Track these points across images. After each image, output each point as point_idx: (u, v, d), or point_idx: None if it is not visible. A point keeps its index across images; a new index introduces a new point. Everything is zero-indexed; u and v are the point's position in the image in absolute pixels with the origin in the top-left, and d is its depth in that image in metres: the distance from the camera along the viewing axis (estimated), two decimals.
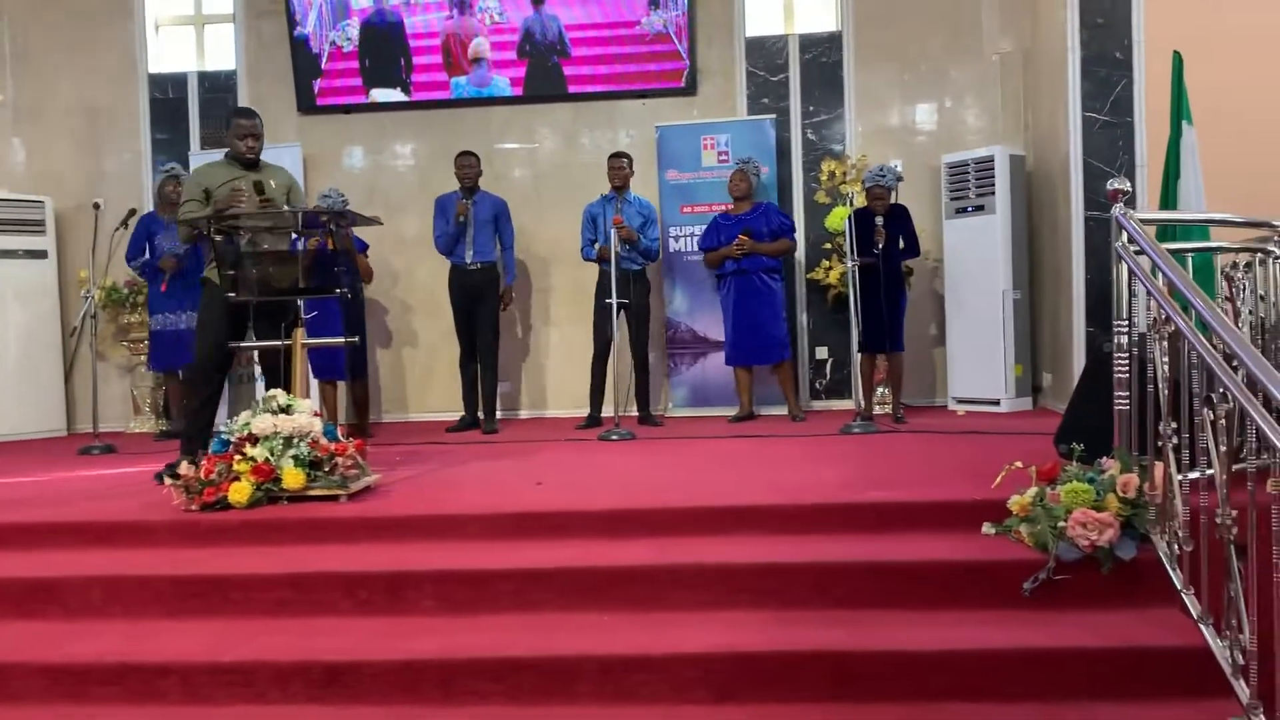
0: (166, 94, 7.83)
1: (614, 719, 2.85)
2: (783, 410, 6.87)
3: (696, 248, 7.08)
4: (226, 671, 3.02)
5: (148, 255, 6.89)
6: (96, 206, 6.68)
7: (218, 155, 7.37)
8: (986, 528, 3.46)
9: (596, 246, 6.69)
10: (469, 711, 2.90)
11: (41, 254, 7.50)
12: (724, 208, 6.94)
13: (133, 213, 6.76)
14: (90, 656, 3.07)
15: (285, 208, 4.52)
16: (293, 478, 4.01)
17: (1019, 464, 3.55)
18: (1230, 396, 2.61)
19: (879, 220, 6.22)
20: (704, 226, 7.09)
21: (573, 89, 7.53)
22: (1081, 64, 6.20)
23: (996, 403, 6.75)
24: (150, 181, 7.66)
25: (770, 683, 2.84)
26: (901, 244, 6.48)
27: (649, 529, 3.61)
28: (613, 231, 6.24)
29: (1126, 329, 3.31)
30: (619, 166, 6.69)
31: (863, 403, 6.43)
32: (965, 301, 6.92)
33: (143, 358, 7.42)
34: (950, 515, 3.56)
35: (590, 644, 3.02)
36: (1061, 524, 3.17)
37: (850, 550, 3.35)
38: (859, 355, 6.52)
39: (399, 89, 7.61)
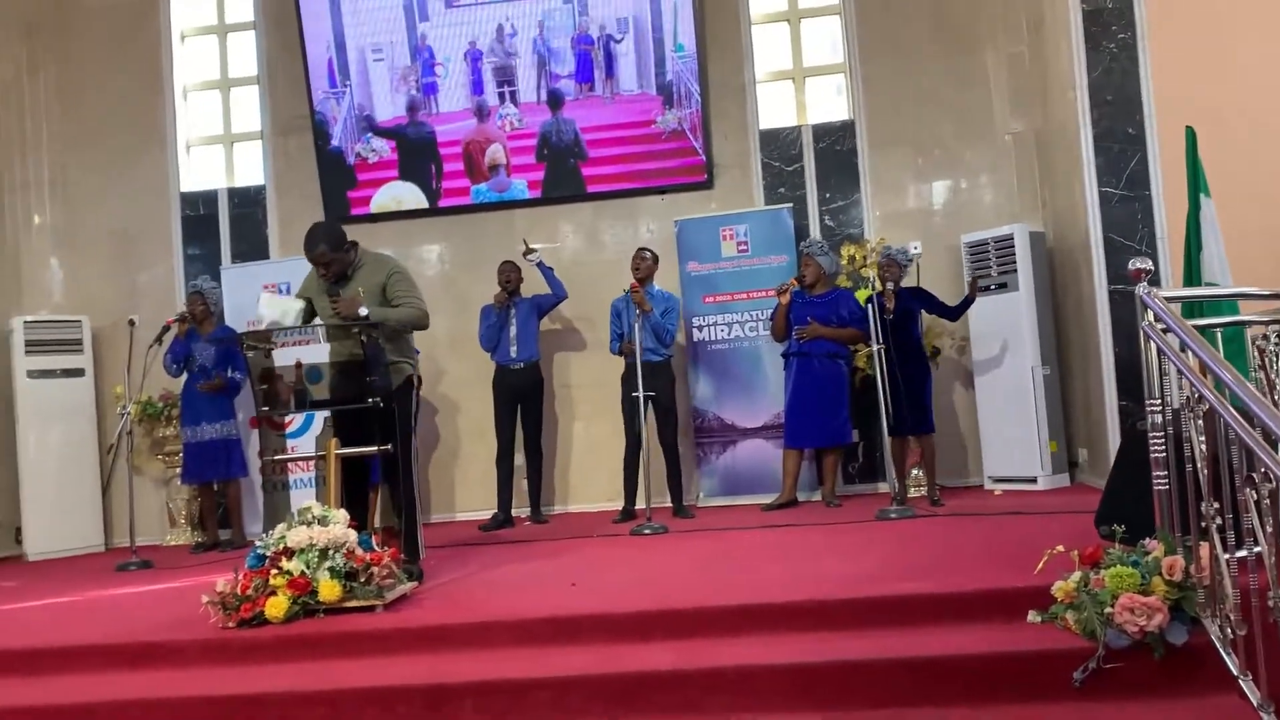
0: (198, 210, 8.04)
1: None
2: (814, 496, 6.80)
3: (746, 332, 7.12)
4: None
5: (181, 365, 6.98)
6: (131, 324, 6.80)
7: (252, 267, 7.66)
8: (1032, 616, 3.39)
9: (622, 341, 6.74)
10: None
11: (79, 372, 7.64)
12: (747, 295, 7.02)
13: (166, 328, 6.87)
14: None
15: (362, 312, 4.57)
16: (329, 590, 4.00)
17: (1061, 548, 3.49)
18: (1273, 475, 2.57)
19: (889, 286, 6.28)
20: (726, 315, 7.16)
21: (591, 189, 7.68)
22: (1094, 140, 6.25)
23: (1033, 480, 6.66)
24: (182, 296, 7.81)
25: None
26: (922, 323, 6.51)
27: (680, 631, 3.56)
28: (635, 323, 6.30)
29: (1160, 408, 3.28)
30: (641, 258, 6.78)
31: (896, 487, 6.36)
32: (995, 379, 6.89)
33: (177, 470, 7.48)
34: (991, 604, 3.49)
35: None
36: (1108, 610, 3.11)
37: (886, 646, 3.29)
38: (889, 439, 6.47)
39: (428, 196, 7.78)
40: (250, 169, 8.19)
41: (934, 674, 3.16)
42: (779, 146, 7.65)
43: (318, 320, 4.81)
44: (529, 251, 7.04)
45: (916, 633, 3.42)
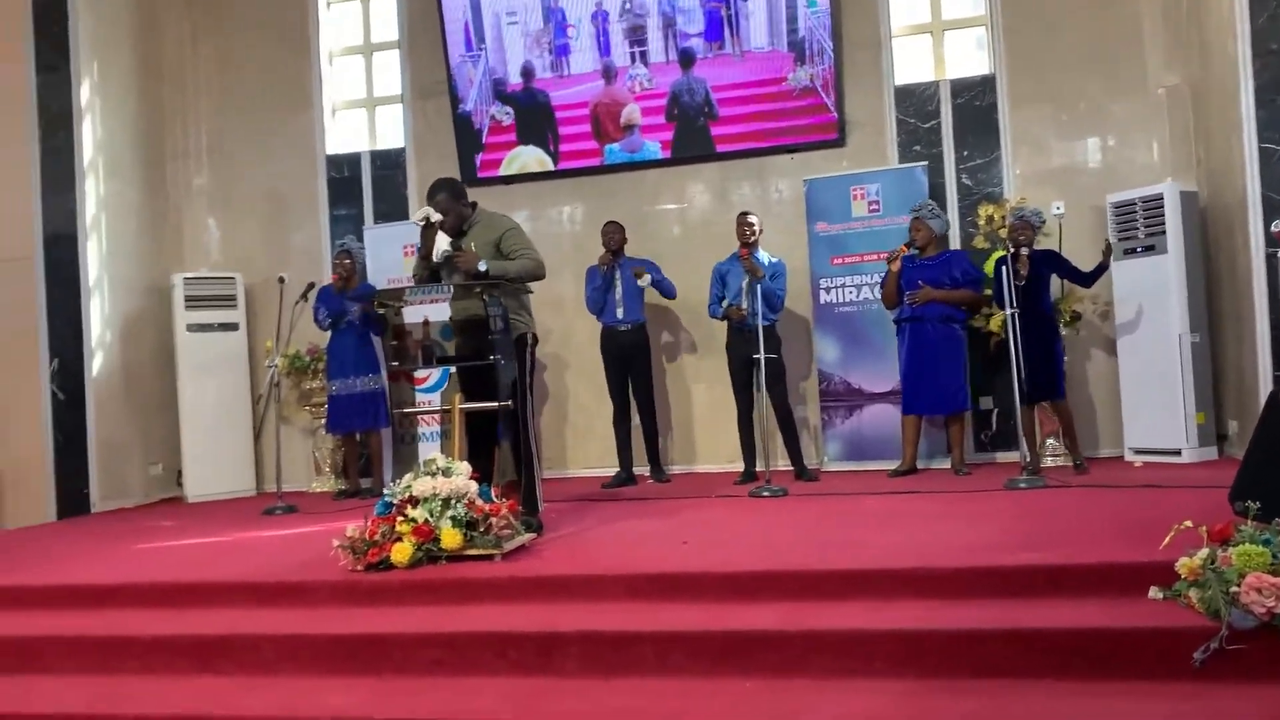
0: (342, 173, 8.37)
1: None
2: (945, 464, 6.67)
3: (875, 294, 6.95)
4: None
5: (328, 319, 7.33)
6: (281, 281, 7.16)
7: (392, 228, 7.95)
8: (1154, 592, 3.26)
9: (724, 305, 6.71)
10: None
11: (233, 326, 8.10)
12: (877, 256, 6.89)
13: (311, 286, 7.21)
14: (259, 712, 3.27)
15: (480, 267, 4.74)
16: (450, 538, 4.17)
17: (1188, 523, 3.34)
18: None
19: (1024, 251, 6.08)
20: (855, 277, 7.05)
21: (721, 148, 7.64)
22: (1256, 93, 5.85)
23: (1178, 453, 6.35)
24: (328, 255, 8.17)
25: None
26: (1062, 287, 6.25)
27: (788, 592, 3.58)
28: (743, 281, 6.26)
29: None
30: (747, 224, 6.70)
31: (1027, 455, 6.16)
32: (1139, 346, 6.57)
33: (322, 421, 7.86)
34: (1111, 578, 3.38)
35: (732, 710, 3.01)
36: (1234, 589, 2.97)
37: (996, 617, 3.23)
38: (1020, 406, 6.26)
39: (550, 158, 7.89)
40: (391, 132, 8.46)
41: (1046, 647, 3.09)
42: (915, 103, 7.43)
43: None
44: (639, 276, 6.95)
45: (1030, 604, 3.34)
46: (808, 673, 3.18)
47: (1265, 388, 5.75)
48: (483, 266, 4.73)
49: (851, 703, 2.95)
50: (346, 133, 8.59)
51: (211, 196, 8.57)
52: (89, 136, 7.56)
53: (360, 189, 8.34)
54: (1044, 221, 6.42)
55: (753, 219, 6.74)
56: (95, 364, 7.46)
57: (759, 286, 6.40)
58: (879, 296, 6.85)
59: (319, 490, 7.94)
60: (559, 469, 7.85)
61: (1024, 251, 6.11)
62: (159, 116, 8.37)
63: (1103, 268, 6.33)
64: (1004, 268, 6.06)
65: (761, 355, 6.20)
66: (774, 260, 6.80)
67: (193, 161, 8.57)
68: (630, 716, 3.04)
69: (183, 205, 8.56)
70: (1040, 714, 2.79)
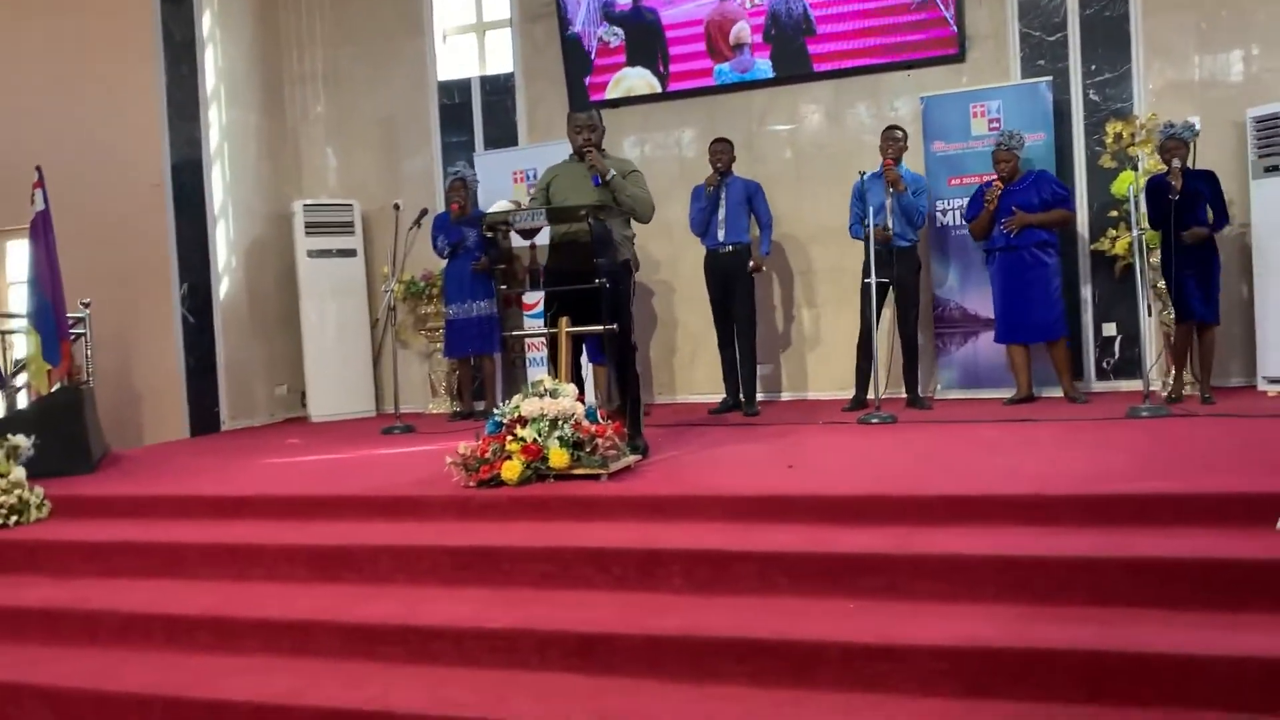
0: (453, 99, 8.43)
1: (857, 707, 2.81)
2: (1058, 391, 6.46)
3: (963, 220, 6.78)
4: (492, 637, 3.26)
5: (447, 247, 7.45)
6: (396, 208, 7.28)
7: (501, 154, 8.00)
8: None
9: (865, 225, 6.55)
10: (713, 690, 2.97)
11: (351, 252, 8.32)
12: (994, 178, 6.62)
13: (424, 212, 7.33)
14: (377, 619, 3.41)
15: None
16: (558, 457, 4.25)
17: None
18: None
19: (1175, 164, 5.85)
20: None
21: (819, 66, 7.40)
22: None
23: None
24: (441, 182, 8.29)
25: (1018, 680, 2.72)
26: (1210, 212, 5.95)
27: (893, 517, 3.54)
28: (887, 204, 6.11)
29: None
30: (892, 138, 6.50)
31: (1167, 379, 5.90)
32: (1278, 270, 6.21)
33: (438, 345, 8.06)
34: (1236, 508, 3.25)
35: (833, 630, 3.01)
36: None
37: (1111, 545, 3.14)
38: (1173, 328, 6.00)
39: (658, 80, 7.79)
40: (500, 57, 8.46)
41: (1162, 576, 3.00)
42: (1040, 14, 7.06)
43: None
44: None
45: (1147, 533, 3.24)
46: (912, 596, 3.16)
47: None
48: (611, 173, 4.90)
49: (955, 627, 2.92)
50: (457, 58, 8.63)
51: (328, 124, 8.75)
52: (211, 65, 7.78)
53: (471, 115, 8.40)
54: (1196, 134, 6.10)
55: (899, 132, 6.55)
56: (222, 289, 7.78)
57: (900, 203, 6.26)
58: (967, 225, 6.61)
59: (435, 412, 8.17)
60: (667, 395, 7.90)
61: (1175, 165, 5.82)
62: (276, 44, 8.57)
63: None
64: (1134, 188, 5.78)
65: (874, 280, 6.07)
66: (916, 176, 6.62)
67: (309, 89, 8.75)
68: (731, 632, 3.07)
69: (300, 133, 8.77)
70: (1155, 643, 2.71)
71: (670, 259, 7.82)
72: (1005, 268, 6.37)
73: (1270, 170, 6.19)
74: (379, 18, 8.53)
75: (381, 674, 3.22)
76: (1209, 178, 6.03)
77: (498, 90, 8.33)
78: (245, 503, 4.50)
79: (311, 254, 8.16)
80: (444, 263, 7.61)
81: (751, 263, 6.84)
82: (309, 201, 8.28)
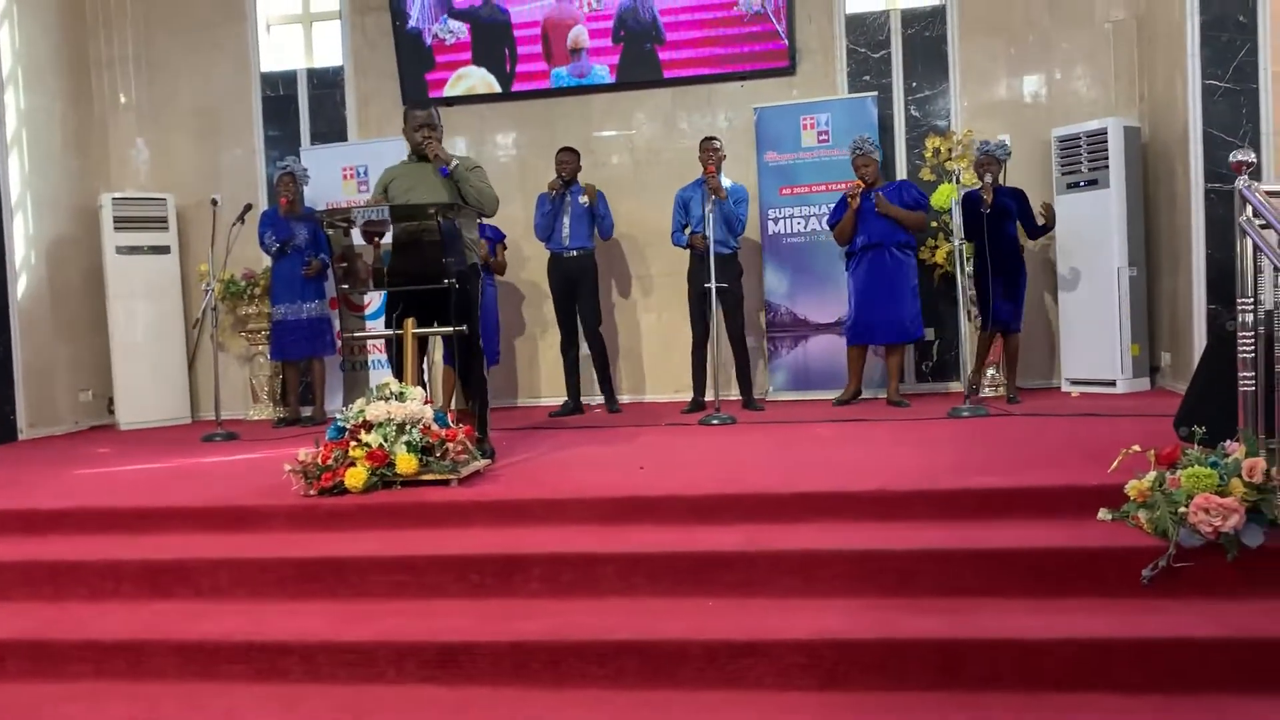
0: (278, 91, 8.08)
1: (719, 704, 2.85)
2: (884, 394, 6.76)
3: (823, 225, 6.96)
4: (345, 651, 3.13)
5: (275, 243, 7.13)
6: (214, 203, 6.93)
7: (330, 149, 7.72)
8: (1103, 514, 3.37)
9: (688, 232, 6.67)
10: (576, 694, 2.95)
11: (165, 249, 7.84)
12: (826, 188, 6.88)
13: (248, 208, 7.00)
14: (218, 636, 3.21)
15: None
16: (406, 463, 4.12)
17: (1137, 448, 3.44)
18: None
19: (987, 179, 6.18)
20: (803, 208, 7.05)
21: (668, 74, 7.53)
22: (1201, 29, 5.94)
23: (1112, 384, 6.54)
24: (264, 177, 7.93)
25: (875, 670, 2.82)
26: (1019, 223, 6.36)
27: (748, 514, 3.62)
28: (708, 212, 6.22)
29: (1251, 307, 3.18)
30: (711, 148, 6.61)
31: (973, 384, 6.29)
32: (1079, 279, 6.71)
33: (260, 348, 7.70)
34: (1062, 501, 3.48)
35: (695, 629, 3.04)
36: (1182, 510, 3.07)
37: (953, 536, 3.30)
38: (974, 335, 6.37)
39: (500, 81, 7.70)
40: (329, 49, 8.18)
41: (999, 566, 3.17)
42: (866, 31, 7.39)
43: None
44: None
45: (983, 525, 3.43)
46: (770, 592, 3.23)
47: (1199, 321, 5.94)
48: (455, 163, 4.78)
49: (813, 620, 3.00)
50: (282, 49, 8.28)
51: (140, 113, 8.22)
52: (6, 44, 7.17)
53: (296, 108, 8.07)
54: (1009, 154, 6.49)
55: (717, 143, 6.66)
56: (20, 287, 7.17)
57: (721, 210, 6.37)
58: (826, 228, 6.85)
59: (256, 418, 7.80)
60: (506, 399, 7.81)
61: (986, 180, 6.19)
62: (81, 25, 7.99)
63: (1047, 227, 6.48)
64: (956, 202, 6.11)
65: (713, 285, 6.19)
66: (736, 185, 6.77)
67: (119, 75, 8.20)
68: (593, 634, 3.06)
69: (109, 121, 8.21)
70: (997, 629, 2.87)
71: (509, 259, 7.73)
72: (867, 267, 6.45)
73: (1072, 186, 6.68)
74: (197, 3, 8.09)
75: (225, 694, 3.04)
76: (1018, 195, 6.44)
77: (326, 84, 8.04)
78: (62, 516, 4.14)
79: (121, 250, 7.65)
80: (268, 261, 7.29)
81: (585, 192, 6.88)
82: (118, 195, 7.75)
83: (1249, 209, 3.14)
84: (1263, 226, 3.09)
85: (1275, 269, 3.02)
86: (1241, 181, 3.17)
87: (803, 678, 2.88)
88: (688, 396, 6.92)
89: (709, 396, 6.43)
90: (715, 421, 5.97)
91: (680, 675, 2.96)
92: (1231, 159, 3.23)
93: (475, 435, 4.50)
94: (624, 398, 7.62)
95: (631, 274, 7.73)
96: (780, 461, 4.50)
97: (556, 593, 3.37)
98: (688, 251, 6.72)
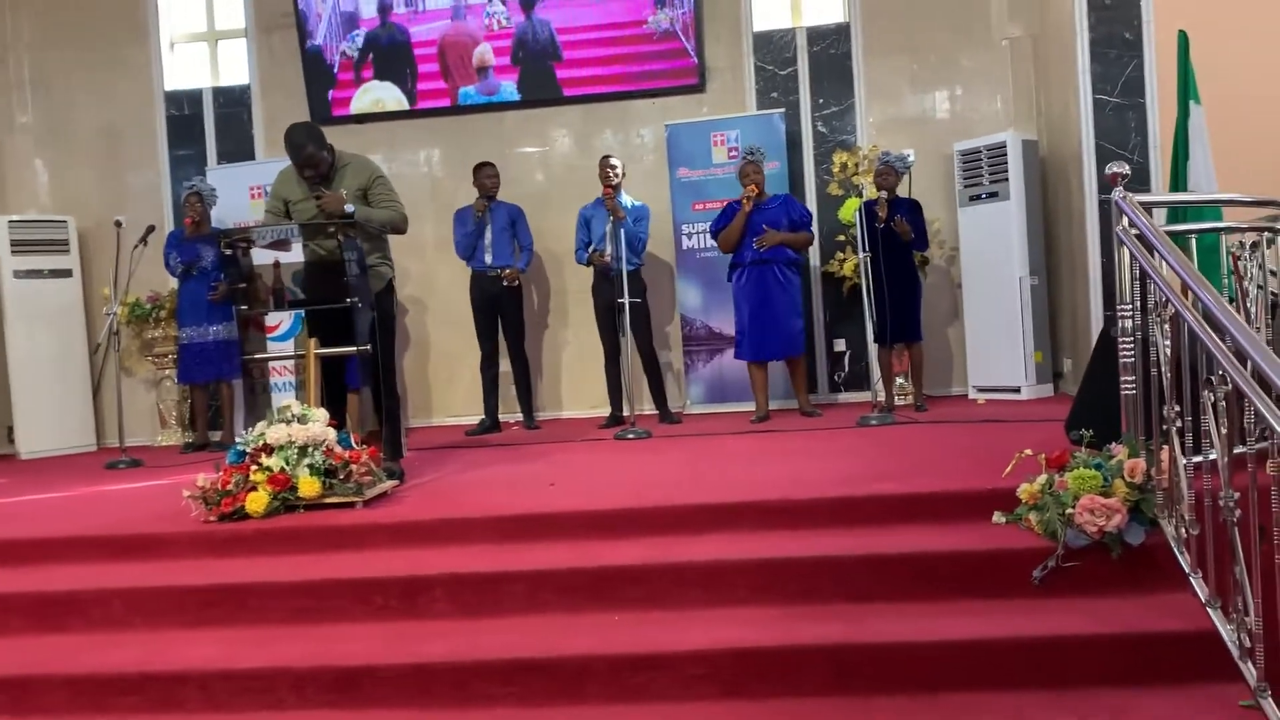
0: (183, 110, 7.93)
1: (624, 718, 2.87)
2: (795, 404, 6.83)
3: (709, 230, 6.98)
4: (244, 678, 3.08)
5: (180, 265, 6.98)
6: (118, 224, 6.75)
7: (237, 169, 7.58)
8: (997, 517, 3.45)
9: (590, 250, 6.69)
10: (480, 715, 2.94)
11: (66, 273, 7.62)
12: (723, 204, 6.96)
13: (151, 229, 6.86)
14: (110, 667, 3.13)
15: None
16: (308, 486, 4.06)
17: (1029, 452, 3.55)
18: (1230, 379, 2.59)
19: (882, 194, 6.26)
20: None
21: (569, 91, 7.55)
22: (1091, 46, 6.16)
23: (1017, 390, 6.70)
24: (170, 197, 7.78)
25: (775, 677, 2.86)
26: (912, 232, 6.46)
27: (653, 528, 3.63)
28: (606, 226, 6.24)
29: (1130, 313, 3.29)
30: (609, 167, 6.61)
31: (880, 395, 6.40)
32: (983, 289, 6.88)
33: (168, 371, 7.53)
34: (959, 506, 3.55)
35: (599, 644, 3.05)
36: (1070, 511, 3.17)
37: (852, 544, 3.36)
38: (876, 347, 6.48)
39: (406, 98, 7.66)
40: (235, 68, 8.06)
41: (897, 570, 3.23)
42: (773, 49, 7.51)
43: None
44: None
45: (883, 532, 3.48)
46: (674, 604, 3.25)
47: (1096, 327, 6.12)
48: (349, 209, 4.57)
49: (714, 631, 3.03)
50: (187, 68, 8.13)
51: (38, 134, 8.00)
52: None
53: (202, 127, 7.93)
54: (908, 167, 6.60)
55: (615, 162, 6.68)
56: None
57: (622, 230, 6.38)
58: (713, 237, 6.79)
59: (165, 444, 7.61)
60: (423, 417, 7.74)
61: (882, 195, 6.29)
62: None
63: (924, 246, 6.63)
64: (860, 213, 6.23)
65: (626, 300, 6.23)
66: (637, 204, 6.80)
67: (15, 96, 7.98)
68: (498, 653, 3.04)
69: (5, 143, 7.97)
70: (894, 633, 2.93)
71: (423, 277, 7.70)
72: (754, 283, 6.44)
73: (974, 199, 6.86)
74: (97, 22, 7.91)
75: None
76: (913, 205, 6.58)
77: (232, 102, 7.92)
78: None
79: (19, 274, 7.41)
80: (175, 283, 7.13)
81: (507, 271, 6.84)
82: (15, 218, 7.51)
83: (1125, 219, 3.26)
84: (1137, 236, 3.20)
85: (1149, 277, 3.14)
86: (1117, 193, 3.28)
87: (704, 688, 2.90)
88: (605, 412, 6.94)
89: (625, 411, 6.45)
90: (631, 436, 5.98)
91: (585, 691, 2.96)
92: (1107, 171, 3.34)
93: (381, 457, 4.44)
94: (543, 414, 7.60)
95: (550, 290, 7.73)
96: (689, 475, 4.53)
97: (461, 613, 3.35)
98: (590, 268, 6.74)
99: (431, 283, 7.68)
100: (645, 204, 6.90)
